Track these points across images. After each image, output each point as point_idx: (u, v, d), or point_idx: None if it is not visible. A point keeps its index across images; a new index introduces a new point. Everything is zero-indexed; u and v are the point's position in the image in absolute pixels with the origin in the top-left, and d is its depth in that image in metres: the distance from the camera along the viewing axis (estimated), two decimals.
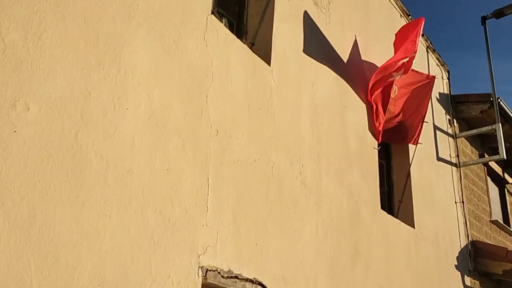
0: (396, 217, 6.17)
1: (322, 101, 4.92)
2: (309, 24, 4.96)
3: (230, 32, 3.88)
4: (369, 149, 5.62)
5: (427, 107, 6.14)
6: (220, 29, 3.68)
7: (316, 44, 5.00)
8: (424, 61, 7.78)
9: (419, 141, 6.53)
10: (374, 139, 5.76)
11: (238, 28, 4.48)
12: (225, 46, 3.71)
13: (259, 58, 4.13)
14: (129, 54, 2.89)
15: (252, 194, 3.68)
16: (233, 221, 3.43)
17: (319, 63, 5.01)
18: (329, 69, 5.18)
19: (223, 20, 3.92)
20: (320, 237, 4.40)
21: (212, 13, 3.70)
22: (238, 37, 4.29)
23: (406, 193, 6.45)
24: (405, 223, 6.13)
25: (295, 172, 4.26)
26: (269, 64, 4.21)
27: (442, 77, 8.48)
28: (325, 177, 4.69)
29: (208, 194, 3.26)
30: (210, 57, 3.52)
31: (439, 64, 8.37)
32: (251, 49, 4.26)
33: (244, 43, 4.18)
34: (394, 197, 6.56)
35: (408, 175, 6.49)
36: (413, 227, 6.23)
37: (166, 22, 3.20)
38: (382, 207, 6.16)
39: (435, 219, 6.78)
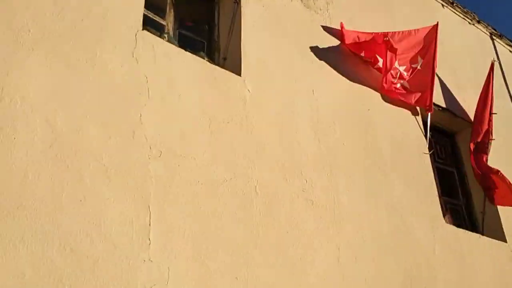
0: (482, 232, 4.98)
1: (329, 108, 4.22)
2: (297, 28, 4.42)
3: (176, 46, 3.49)
4: (413, 153, 4.68)
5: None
6: (157, 44, 3.30)
7: (312, 49, 4.41)
8: (488, 50, 6.68)
9: (492, 137, 5.41)
10: (420, 143, 4.82)
11: (209, 46, 4.09)
12: (167, 60, 3.30)
13: (223, 70, 3.65)
14: (17, 80, 2.58)
15: (225, 219, 3.05)
16: (193, 253, 2.80)
17: (319, 68, 4.39)
18: (336, 73, 4.52)
19: (165, 36, 3.54)
20: (346, 263, 3.53)
21: (146, 28, 3.35)
22: (209, 55, 3.91)
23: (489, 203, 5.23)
24: (492, 237, 4.90)
25: (294, 189, 3.54)
26: (239, 74, 3.70)
27: None
28: (346, 192, 3.88)
29: (150, 224, 2.71)
30: (143, 73, 3.12)
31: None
32: (223, 64, 3.83)
33: (210, 60, 3.74)
34: (475, 209, 5.35)
35: None
36: (505, 241, 4.95)
37: (75, 42, 2.89)
38: (462, 222, 5.04)
39: None
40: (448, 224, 4.53)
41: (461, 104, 5.65)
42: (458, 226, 4.90)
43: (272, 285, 3.05)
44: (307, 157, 3.80)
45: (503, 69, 6.71)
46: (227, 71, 3.67)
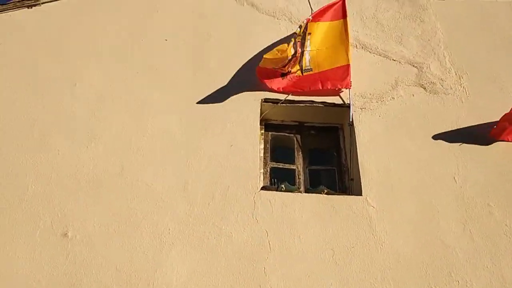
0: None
1: (479, 191, 3.98)
2: (422, 121, 4.44)
3: (294, 192, 3.99)
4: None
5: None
6: (274, 197, 3.86)
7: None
8: None
9: None
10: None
11: (339, 171, 4.43)
12: (284, 209, 3.80)
13: (342, 196, 3.96)
14: (163, 273, 3.47)
15: None
16: None
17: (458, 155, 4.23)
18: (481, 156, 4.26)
19: (283, 186, 4.04)
20: None
21: (263, 187, 3.98)
22: (340, 180, 4.28)
23: None
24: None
25: None
26: (360, 194, 3.94)
27: None
28: None
29: None
30: (263, 229, 3.69)
31: None
32: (351, 186, 4.14)
33: (331, 191, 4.08)
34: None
35: None
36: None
37: (204, 223, 3.70)
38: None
39: None
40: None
41: None
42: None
43: None
44: (457, 254, 3.61)
45: None
46: (345, 196, 3.94)
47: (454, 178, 4.05)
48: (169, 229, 3.65)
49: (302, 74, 4.57)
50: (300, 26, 4.58)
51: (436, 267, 3.53)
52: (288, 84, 4.53)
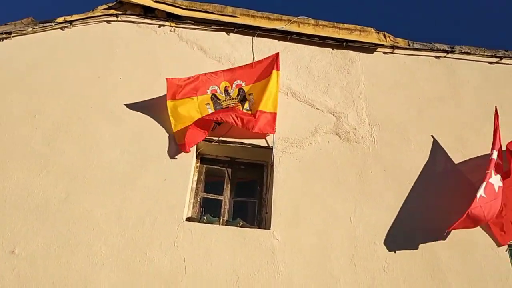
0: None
1: (370, 231, 4.73)
2: (333, 161, 5.16)
3: (214, 223, 4.70)
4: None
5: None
6: (195, 228, 4.57)
7: (349, 178, 5.08)
8: None
9: None
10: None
11: (259, 204, 5.12)
12: (202, 239, 4.51)
13: (253, 229, 4.67)
14: None
15: None
16: None
17: (356, 196, 4.98)
18: (373, 197, 5.01)
19: (205, 218, 4.77)
20: None
21: (188, 218, 4.70)
22: (259, 212, 4.98)
23: None
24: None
25: None
26: (268, 228, 4.66)
27: None
28: None
29: None
30: (182, 256, 4.39)
31: None
32: (266, 218, 4.84)
33: (246, 224, 4.79)
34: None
35: None
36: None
37: (133, 249, 4.40)
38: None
39: None
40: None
41: None
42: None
43: None
44: (340, 284, 4.36)
45: None
46: (257, 229, 4.67)
47: (350, 218, 4.79)
48: (101, 252, 4.34)
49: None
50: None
51: None
52: (227, 113, 5.17)
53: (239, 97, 5.36)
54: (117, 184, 4.75)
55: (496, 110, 5.15)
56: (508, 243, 4.78)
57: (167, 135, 5.18)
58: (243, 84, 5.40)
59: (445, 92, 5.93)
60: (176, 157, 5.04)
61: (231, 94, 5.36)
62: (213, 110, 5.22)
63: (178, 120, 5.13)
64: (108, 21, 6.02)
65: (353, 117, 5.55)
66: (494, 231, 4.74)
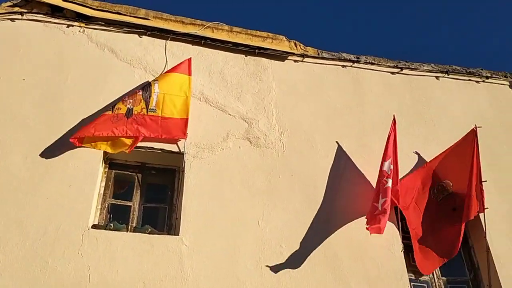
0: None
1: (276, 234, 4.87)
2: (243, 167, 5.27)
3: (121, 230, 4.64)
4: None
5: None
6: (101, 236, 4.49)
7: (258, 182, 5.20)
8: None
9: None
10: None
11: (169, 210, 5.12)
12: (108, 246, 4.44)
13: (162, 236, 4.69)
14: None
15: None
16: None
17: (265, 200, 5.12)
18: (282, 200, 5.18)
19: (111, 225, 4.70)
20: None
21: (94, 226, 4.60)
22: (169, 218, 4.96)
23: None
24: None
25: None
26: (178, 234, 4.68)
27: None
28: None
29: None
30: (86, 264, 4.30)
31: None
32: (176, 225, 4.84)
33: (155, 230, 4.78)
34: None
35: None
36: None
37: (32, 257, 4.24)
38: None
39: None
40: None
41: None
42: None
43: None
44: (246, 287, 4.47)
45: None
46: (165, 236, 4.67)
47: (258, 222, 4.92)
48: (0, 261, 4.15)
49: (147, 113, 5.21)
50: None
51: None
52: (131, 128, 5.11)
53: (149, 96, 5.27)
54: (19, 191, 4.56)
55: (394, 119, 5.51)
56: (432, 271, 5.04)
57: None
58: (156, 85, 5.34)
59: (351, 100, 6.25)
60: (82, 162, 4.91)
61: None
62: (124, 114, 5.08)
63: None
64: (12, 19, 5.72)
65: (264, 123, 5.71)
66: (418, 259, 4.93)
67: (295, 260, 4.76)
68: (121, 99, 5.26)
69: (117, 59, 5.80)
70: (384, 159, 5.11)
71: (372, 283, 4.83)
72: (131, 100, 5.21)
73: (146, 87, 5.32)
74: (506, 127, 6.53)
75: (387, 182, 4.86)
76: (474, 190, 5.13)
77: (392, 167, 5.05)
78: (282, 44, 6.38)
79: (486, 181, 5.27)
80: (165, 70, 5.67)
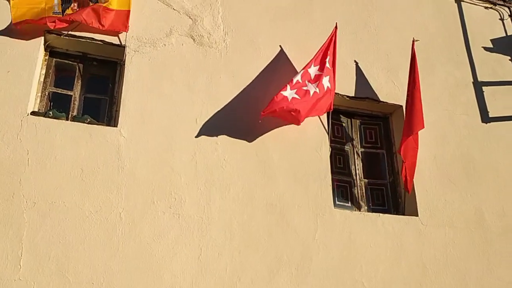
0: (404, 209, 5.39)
1: (212, 130, 5.12)
2: (184, 67, 5.36)
3: (60, 119, 4.76)
4: (307, 150, 5.33)
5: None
6: (39, 123, 4.62)
7: (199, 82, 5.34)
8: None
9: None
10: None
11: (110, 102, 5.25)
12: (47, 133, 4.59)
13: (101, 126, 4.83)
14: None
15: (87, 242, 4.28)
16: (56, 270, 4.09)
17: (203, 99, 5.29)
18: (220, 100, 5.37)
19: (50, 113, 4.81)
20: (207, 259, 4.50)
21: (33, 112, 4.70)
22: (110, 110, 5.10)
23: None
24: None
25: (161, 208, 4.60)
26: (116, 126, 4.85)
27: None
28: (218, 200, 4.80)
29: (21, 255, 4.07)
30: (25, 149, 4.47)
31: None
32: (116, 117, 4.99)
33: (94, 120, 4.93)
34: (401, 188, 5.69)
35: None
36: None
37: None
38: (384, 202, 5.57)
39: None
40: (337, 209, 5.11)
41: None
42: (380, 205, 5.44)
43: (127, 285, 4.19)
44: (180, 178, 4.80)
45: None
46: (104, 127, 4.84)
47: (196, 120, 5.14)
48: None
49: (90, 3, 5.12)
50: None
51: (161, 187, 4.69)
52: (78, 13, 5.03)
53: None
54: None
55: (335, 26, 5.63)
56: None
57: (10, 28, 4.92)
58: None
59: (299, 5, 6.24)
60: (21, 48, 4.87)
61: None
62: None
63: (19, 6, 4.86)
64: None
65: (209, 21, 5.70)
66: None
67: (228, 157, 5.07)
68: None
69: None
70: (312, 63, 5.30)
71: (298, 180, 5.23)
72: None
73: None
74: (447, 41, 6.72)
75: (306, 85, 5.10)
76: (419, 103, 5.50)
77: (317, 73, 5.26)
78: None
79: None
80: None
